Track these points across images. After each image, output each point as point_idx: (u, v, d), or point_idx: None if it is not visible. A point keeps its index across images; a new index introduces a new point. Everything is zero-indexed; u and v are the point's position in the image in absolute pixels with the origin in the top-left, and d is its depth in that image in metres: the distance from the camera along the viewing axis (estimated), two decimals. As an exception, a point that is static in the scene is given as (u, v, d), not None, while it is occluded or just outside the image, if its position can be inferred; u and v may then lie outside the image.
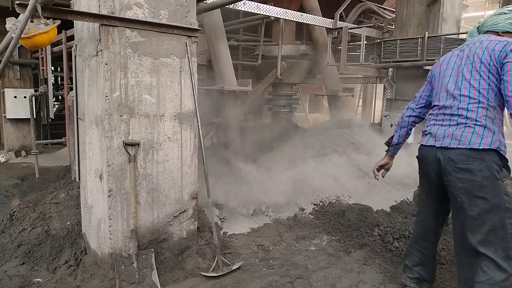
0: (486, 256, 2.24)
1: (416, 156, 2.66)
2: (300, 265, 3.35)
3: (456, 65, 2.47)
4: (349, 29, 6.20)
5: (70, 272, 3.14)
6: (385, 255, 3.48)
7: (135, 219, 2.97)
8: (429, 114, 2.63)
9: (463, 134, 2.29)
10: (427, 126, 2.58)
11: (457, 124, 2.33)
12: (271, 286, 2.95)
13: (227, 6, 4.70)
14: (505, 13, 2.43)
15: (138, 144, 2.95)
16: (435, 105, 2.58)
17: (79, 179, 3.77)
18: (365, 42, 6.30)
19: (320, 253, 3.65)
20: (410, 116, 2.84)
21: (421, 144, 2.59)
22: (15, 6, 2.46)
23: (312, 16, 6.16)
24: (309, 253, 3.63)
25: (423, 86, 2.81)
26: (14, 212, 3.83)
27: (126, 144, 2.90)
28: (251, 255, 3.57)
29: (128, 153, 2.91)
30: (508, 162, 2.29)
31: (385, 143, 3.00)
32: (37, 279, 3.07)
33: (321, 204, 4.89)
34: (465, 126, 2.30)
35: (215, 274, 3.12)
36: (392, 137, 2.94)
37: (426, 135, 2.58)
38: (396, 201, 4.95)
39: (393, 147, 2.94)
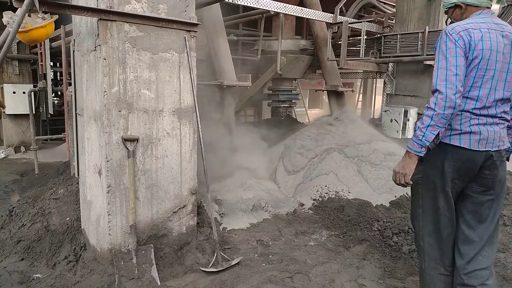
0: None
1: (451, 162, 2.17)
2: (300, 260, 3.35)
3: (506, 56, 2.12)
4: (349, 23, 6.16)
5: (70, 268, 3.15)
6: (385, 250, 3.48)
7: (134, 215, 2.96)
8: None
9: (506, 135, 2.25)
10: (471, 125, 2.13)
11: (504, 126, 2.21)
12: (271, 281, 2.95)
13: (226, 0, 4.67)
14: None
15: (137, 140, 2.94)
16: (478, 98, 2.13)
17: (78, 175, 3.76)
18: (365, 36, 6.26)
19: (320, 248, 3.65)
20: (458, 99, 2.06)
21: (467, 148, 2.13)
22: (13, 0, 2.44)
23: (312, 10, 6.12)
24: (309, 248, 3.63)
25: (456, 58, 2.05)
26: (14, 207, 3.83)
27: (125, 140, 2.89)
28: (251, 250, 3.57)
29: (127, 148, 2.90)
30: None
31: (430, 145, 2.17)
32: (37, 275, 3.07)
33: (320, 199, 4.88)
34: (508, 128, 2.29)
35: (215, 269, 3.12)
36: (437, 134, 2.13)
37: (471, 135, 2.13)
38: (395, 196, 4.96)
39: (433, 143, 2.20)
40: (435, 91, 2.07)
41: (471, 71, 2.10)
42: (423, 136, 2.08)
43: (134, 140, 2.94)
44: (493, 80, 2.12)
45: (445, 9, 2.37)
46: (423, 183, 2.30)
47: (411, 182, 2.22)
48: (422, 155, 2.14)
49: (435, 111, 2.04)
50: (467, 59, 2.08)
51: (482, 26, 2.11)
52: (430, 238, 2.33)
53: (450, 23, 2.33)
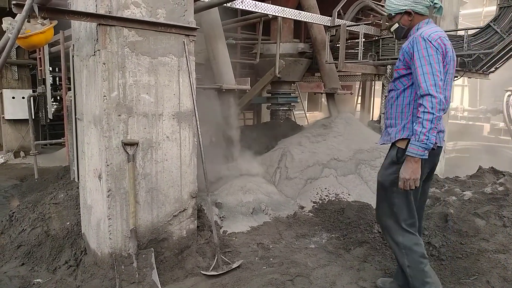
0: None
1: (428, 158, 2.31)
2: (300, 263, 3.35)
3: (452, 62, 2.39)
4: (347, 26, 6.19)
5: (70, 273, 3.14)
6: (385, 252, 3.48)
7: (134, 219, 2.96)
8: None
9: None
10: (442, 124, 2.39)
11: None
12: (271, 284, 2.95)
13: (225, 4, 4.69)
14: None
15: (136, 144, 2.94)
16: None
17: (78, 179, 3.76)
18: (363, 39, 6.29)
19: (320, 250, 3.65)
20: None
21: (439, 145, 2.41)
22: (12, 6, 2.45)
23: (310, 14, 6.14)
24: (309, 251, 3.63)
25: (439, 64, 2.22)
26: (14, 213, 3.83)
27: (125, 144, 2.90)
28: (251, 254, 3.57)
29: (127, 152, 2.91)
30: None
31: (430, 148, 2.26)
32: (37, 280, 3.07)
33: (320, 202, 4.89)
34: None
35: (215, 273, 3.12)
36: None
37: (443, 133, 2.48)
38: (395, 198, 4.96)
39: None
40: (427, 95, 2.17)
41: (443, 75, 2.27)
42: (427, 139, 2.19)
43: (134, 144, 2.94)
44: (449, 83, 2.42)
45: (392, 14, 2.45)
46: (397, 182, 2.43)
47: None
48: (427, 157, 2.25)
49: (434, 114, 2.16)
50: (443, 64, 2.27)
51: (445, 35, 2.33)
52: (412, 229, 2.50)
53: (396, 28, 2.47)
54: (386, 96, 6.86)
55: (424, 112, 2.17)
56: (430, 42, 2.20)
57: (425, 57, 2.20)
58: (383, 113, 6.59)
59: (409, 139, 2.32)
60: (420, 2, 2.35)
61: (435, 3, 2.38)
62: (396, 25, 2.43)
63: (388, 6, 2.43)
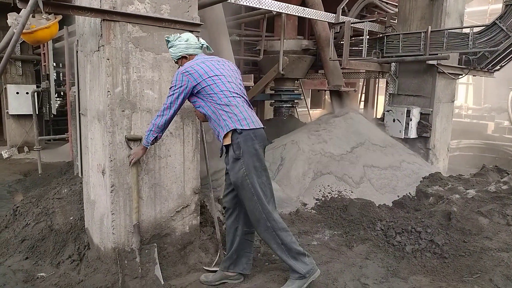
0: None
1: (248, 142, 2.67)
2: (303, 260, 3.35)
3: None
4: (352, 23, 6.16)
5: (74, 267, 3.16)
6: (388, 250, 3.48)
7: (137, 214, 2.97)
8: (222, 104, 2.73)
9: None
10: (239, 113, 2.70)
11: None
12: (274, 281, 2.96)
13: (229, 0, 4.68)
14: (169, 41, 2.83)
15: (140, 139, 2.95)
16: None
17: (82, 175, 3.78)
18: (368, 36, 6.26)
19: (322, 247, 3.65)
20: None
21: (251, 128, 2.70)
22: (17, 1, 2.45)
23: (314, 10, 6.12)
24: (311, 248, 3.63)
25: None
26: (18, 207, 3.85)
27: (129, 140, 2.91)
28: (254, 250, 3.57)
29: (130, 148, 2.91)
30: None
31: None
32: (41, 274, 3.09)
33: (323, 199, 4.89)
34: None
35: (218, 269, 3.13)
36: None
37: (244, 120, 2.69)
38: (398, 196, 4.96)
39: None
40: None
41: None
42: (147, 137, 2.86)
43: (138, 139, 2.95)
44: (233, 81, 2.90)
45: (175, 60, 2.90)
46: (248, 173, 2.67)
47: None
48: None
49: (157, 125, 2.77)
50: None
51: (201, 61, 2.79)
52: (274, 213, 2.75)
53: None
54: (390, 93, 6.84)
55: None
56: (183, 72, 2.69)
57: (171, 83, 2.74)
58: (388, 111, 6.58)
59: (230, 134, 2.67)
60: (189, 47, 2.81)
61: (202, 44, 2.88)
62: (179, 67, 2.84)
63: (171, 55, 2.87)
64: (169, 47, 2.83)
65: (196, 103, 2.80)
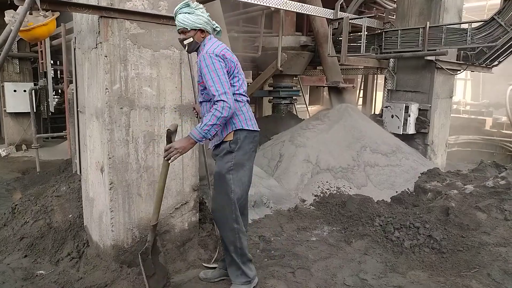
0: None
1: (247, 142, 2.65)
2: (301, 256, 3.37)
3: None
4: (350, 19, 6.14)
5: (73, 264, 3.16)
6: (386, 245, 3.49)
7: (157, 215, 2.75)
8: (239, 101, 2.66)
9: None
10: (246, 113, 2.67)
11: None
12: (273, 277, 2.97)
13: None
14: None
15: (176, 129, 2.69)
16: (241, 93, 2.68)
17: (80, 172, 3.78)
18: (366, 32, 6.25)
19: (321, 243, 3.67)
20: None
21: (255, 130, 2.68)
22: (14, -2, 2.44)
23: (313, 6, 6.10)
24: (310, 244, 3.65)
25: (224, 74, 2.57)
26: (16, 205, 3.85)
27: (172, 132, 2.59)
28: (253, 246, 3.59)
29: (170, 141, 2.64)
30: None
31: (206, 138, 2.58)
32: (40, 271, 3.09)
33: (322, 195, 4.90)
34: None
35: (217, 265, 3.14)
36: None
37: (249, 121, 2.67)
38: (396, 192, 4.97)
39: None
40: (215, 95, 2.46)
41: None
42: (208, 130, 2.49)
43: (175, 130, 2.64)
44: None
45: (188, 29, 2.60)
46: (234, 168, 2.63)
47: None
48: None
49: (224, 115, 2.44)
50: None
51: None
52: (241, 217, 2.74)
53: (190, 42, 2.64)
54: (389, 89, 6.85)
55: (215, 109, 2.44)
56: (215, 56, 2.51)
57: (213, 69, 2.49)
58: (386, 107, 6.57)
59: (233, 132, 2.60)
60: (209, 24, 2.64)
61: (217, 27, 2.73)
62: (191, 39, 2.62)
63: (183, 21, 2.57)
64: (186, 13, 2.56)
65: (209, 94, 2.58)
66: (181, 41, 2.65)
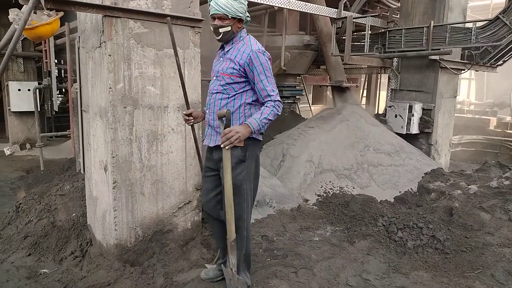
0: None
1: (254, 147, 2.58)
2: (304, 255, 3.36)
3: None
4: (354, 18, 6.13)
5: (76, 263, 3.18)
6: (389, 245, 3.48)
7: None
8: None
9: None
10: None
11: None
12: (276, 276, 2.96)
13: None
14: None
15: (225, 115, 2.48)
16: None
17: (84, 171, 3.79)
18: (370, 31, 6.23)
19: (324, 243, 3.66)
20: None
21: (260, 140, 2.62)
22: (18, -3, 2.45)
23: (316, 5, 6.09)
24: (313, 244, 3.64)
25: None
26: (20, 204, 3.87)
27: (220, 117, 2.42)
28: (255, 246, 3.58)
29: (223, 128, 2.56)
30: None
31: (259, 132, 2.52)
32: (44, 270, 3.11)
33: (325, 195, 4.89)
34: None
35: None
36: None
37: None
38: (400, 192, 4.96)
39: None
40: (272, 96, 2.42)
41: None
42: (266, 124, 2.45)
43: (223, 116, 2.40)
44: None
45: (229, 16, 2.44)
46: (247, 178, 2.55)
47: None
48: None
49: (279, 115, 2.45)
50: None
51: None
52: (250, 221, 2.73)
53: (227, 31, 2.49)
54: (392, 88, 6.82)
55: (273, 106, 2.41)
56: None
57: (268, 69, 2.49)
58: (390, 106, 6.55)
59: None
60: (247, 13, 2.57)
61: (247, 16, 2.61)
62: (229, 28, 2.46)
63: (226, 7, 2.39)
64: None
65: (242, 88, 2.50)
66: (216, 28, 2.44)
